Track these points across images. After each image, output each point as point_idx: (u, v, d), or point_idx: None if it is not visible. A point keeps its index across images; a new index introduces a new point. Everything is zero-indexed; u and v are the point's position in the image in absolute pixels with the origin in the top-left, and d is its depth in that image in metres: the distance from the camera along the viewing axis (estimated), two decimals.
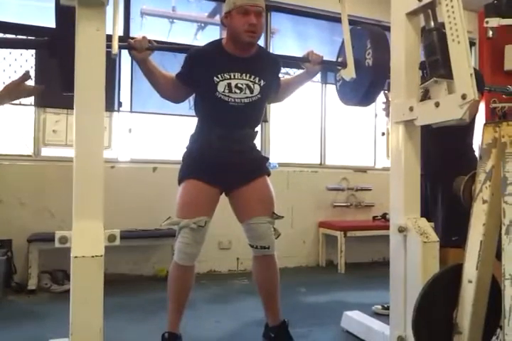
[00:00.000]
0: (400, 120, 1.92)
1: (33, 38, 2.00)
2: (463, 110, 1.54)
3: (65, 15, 1.65)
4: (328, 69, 4.63)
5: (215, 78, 2.14)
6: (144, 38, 2.09)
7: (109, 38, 1.87)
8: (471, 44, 5.26)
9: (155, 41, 2.16)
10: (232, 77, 2.16)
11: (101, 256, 1.50)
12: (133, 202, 3.84)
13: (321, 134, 4.85)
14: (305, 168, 4.63)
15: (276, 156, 4.52)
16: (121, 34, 3.98)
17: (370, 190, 4.71)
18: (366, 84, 2.32)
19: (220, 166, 2.18)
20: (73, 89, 1.62)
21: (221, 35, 4.76)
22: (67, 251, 1.57)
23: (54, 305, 3.03)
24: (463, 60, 1.56)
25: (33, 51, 3.81)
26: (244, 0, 2.10)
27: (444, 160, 2.44)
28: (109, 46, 1.87)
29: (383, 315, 2.67)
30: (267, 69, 2.27)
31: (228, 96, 2.16)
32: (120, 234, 1.68)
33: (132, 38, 2.49)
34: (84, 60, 1.62)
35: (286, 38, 4.82)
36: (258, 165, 2.31)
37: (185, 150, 2.30)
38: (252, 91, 2.19)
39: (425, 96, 1.94)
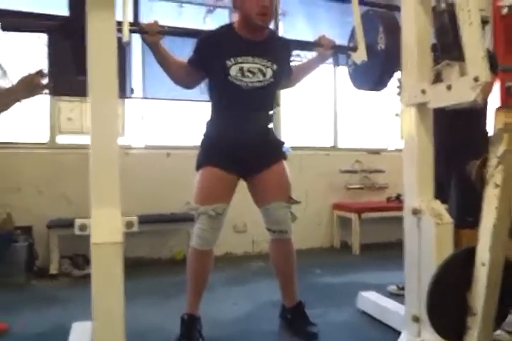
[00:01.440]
0: (412, 103, 1.91)
1: (49, 22, 2.00)
2: (475, 92, 1.53)
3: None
4: (340, 51, 4.61)
5: (227, 62, 2.14)
6: (155, 21, 2.09)
7: (119, 24, 1.89)
8: (485, 22, 5.14)
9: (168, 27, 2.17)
10: (245, 60, 2.16)
11: (120, 242, 1.54)
12: (148, 187, 3.89)
13: (334, 116, 4.83)
14: (318, 151, 4.63)
15: (288, 140, 4.51)
16: (131, 19, 3.99)
17: (383, 171, 4.70)
18: (378, 68, 2.30)
19: (238, 150, 2.19)
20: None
21: (230, 18, 4.72)
22: (85, 237, 1.62)
23: (75, 289, 3.12)
24: (475, 42, 1.54)
25: (45, 38, 3.83)
26: None
27: (458, 141, 2.44)
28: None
29: (398, 295, 2.70)
30: (279, 53, 2.26)
31: (241, 80, 2.15)
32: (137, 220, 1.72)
33: (141, 24, 2.46)
34: (96, 49, 1.64)
35: (295, 20, 4.76)
36: (275, 150, 2.33)
37: (203, 137, 2.31)
38: (264, 75, 2.19)
39: (437, 78, 1.92)
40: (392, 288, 2.94)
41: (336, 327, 2.40)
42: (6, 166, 3.61)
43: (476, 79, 1.51)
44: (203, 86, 2.44)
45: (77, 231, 1.64)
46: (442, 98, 1.71)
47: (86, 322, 2.15)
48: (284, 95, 4.58)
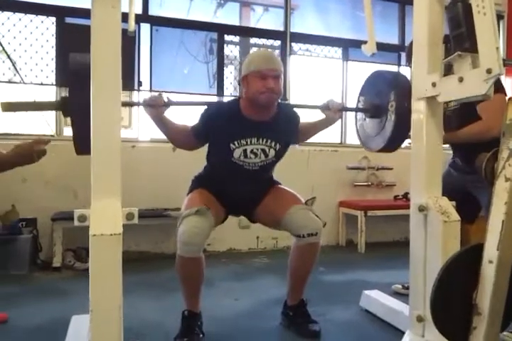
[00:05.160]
0: (422, 96, 1.86)
1: (47, 100, 2.01)
2: (488, 85, 1.48)
3: (76, 76, 1.67)
4: (350, 45, 4.56)
5: (231, 145, 2.14)
6: (160, 94, 2.06)
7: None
8: (500, 17, 5.07)
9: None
10: (249, 142, 2.15)
11: (119, 234, 1.51)
12: (154, 181, 3.87)
13: (342, 112, 4.77)
14: (325, 147, 4.58)
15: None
16: (140, 12, 3.96)
17: (391, 169, 4.65)
18: (388, 137, 2.23)
19: (231, 202, 2.25)
20: (89, 151, 1.60)
21: (240, 12, 4.69)
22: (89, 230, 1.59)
23: (78, 282, 3.10)
24: (489, 33, 1.49)
25: (53, 31, 3.83)
26: (262, 65, 2.06)
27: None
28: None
29: (403, 295, 2.66)
30: (285, 131, 2.24)
31: (243, 161, 2.17)
32: (141, 213, 1.69)
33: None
34: (100, 38, 1.60)
35: (306, 13, 4.72)
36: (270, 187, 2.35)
37: (195, 179, 2.36)
38: (266, 156, 2.20)
39: (448, 71, 1.87)
40: (397, 287, 2.89)
41: (338, 326, 2.36)
42: None
43: (488, 72, 1.46)
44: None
45: (76, 222, 1.61)
46: (453, 91, 1.65)
47: (85, 315, 2.11)
48: (293, 89, 4.55)
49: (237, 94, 4.35)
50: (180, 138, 2.23)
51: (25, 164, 2.00)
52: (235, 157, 2.16)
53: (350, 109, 2.50)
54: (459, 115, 2.33)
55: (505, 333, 2.06)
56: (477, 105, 2.20)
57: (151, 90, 4.10)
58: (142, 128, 4.13)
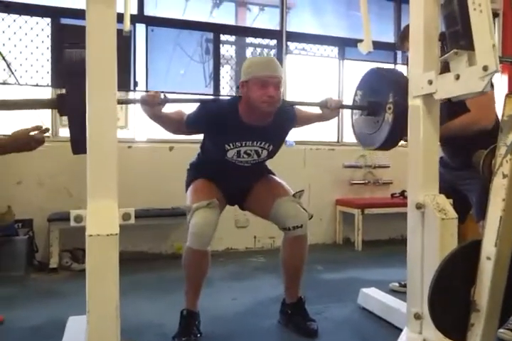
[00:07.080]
0: (418, 94, 1.86)
1: (43, 98, 1.98)
2: (484, 82, 1.48)
3: (73, 73, 1.67)
4: (346, 44, 4.57)
5: (226, 146, 2.16)
6: (156, 92, 2.05)
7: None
8: (495, 15, 5.08)
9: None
10: (244, 145, 2.18)
11: (116, 234, 1.50)
12: (150, 181, 3.86)
13: (340, 110, 4.76)
14: (322, 146, 4.58)
15: (292, 134, 4.47)
16: (136, 12, 3.94)
17: (388, 167, 4.65)
18: (384, 137, 2.22)
19: (224, 192, 2.30)
20: (85, 150, 1.59)
21: (236, 12, 4.68)
22: (85, 230, 1.58)
23: (75, 283, 3.09)
24: (485, 30, 1.49)
25: (48, 32, 3.82)
26: (263, 71, 2.04)
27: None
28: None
29: (400, 293, 2.67)
30: (280, 131, 2.29)
31: (236, 160, 2.21)
32: (137, 213, 1.68)
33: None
34: (95, 38, 1.59)
35: (301, 12, 4.72)
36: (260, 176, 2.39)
37: (191, 167, 2.42)
38: (259, 156, 2.24)
39: (445, 68, 1.87)
40: (394, 285, 2.90)
41: (336, 324, 2.36)
42: (7, 158, 3.50)
43: (485, 69, 1.46)
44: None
45: (72, 223, 1.60)
46: (450, 88, 1.65)
47: (82, 316, 2.10)
48: (290, 88, 4.54)
49: (234, 94, 4.35)
50: (173, 128, 2.26)
51: (22, 150, 1.98)
52: (228, 156, 2.19)
53: (348, 107, 2.48)
54: (448, 106, 2.33)
55: (501, 330, 2.07)
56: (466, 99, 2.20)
57: (147, 90, 4.09)
58: (138, 128, 4.12)
